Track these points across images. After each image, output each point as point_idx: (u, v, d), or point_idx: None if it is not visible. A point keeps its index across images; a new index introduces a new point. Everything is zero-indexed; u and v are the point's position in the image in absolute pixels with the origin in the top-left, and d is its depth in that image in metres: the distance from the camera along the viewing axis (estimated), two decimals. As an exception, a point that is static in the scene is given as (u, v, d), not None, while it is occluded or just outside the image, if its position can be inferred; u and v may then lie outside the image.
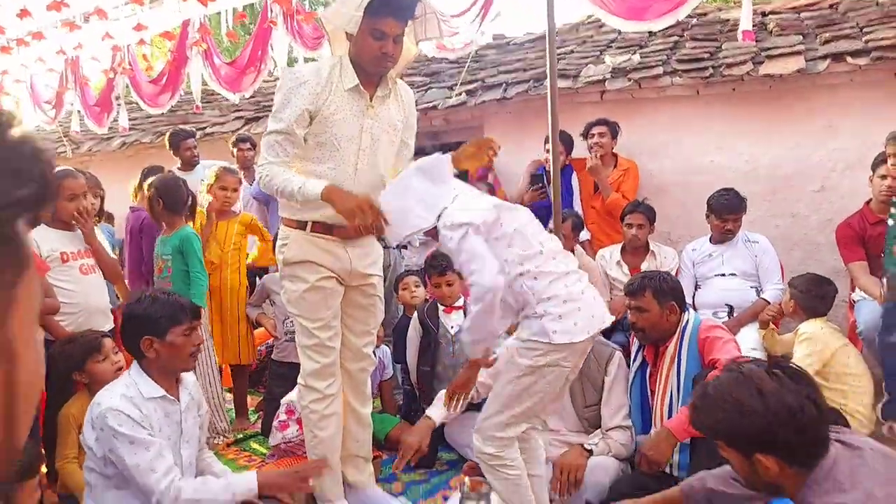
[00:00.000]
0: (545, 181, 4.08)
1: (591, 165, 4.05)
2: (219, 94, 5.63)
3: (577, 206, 4.23)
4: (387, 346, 3.55)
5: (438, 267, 3.15)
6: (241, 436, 3.39)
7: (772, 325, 3.32)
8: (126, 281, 3.41)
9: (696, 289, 3.68)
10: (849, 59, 3.86)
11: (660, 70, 4.37)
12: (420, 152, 3.43)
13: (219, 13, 5.28)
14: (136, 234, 3.57)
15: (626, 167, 4.21)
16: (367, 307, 2.45)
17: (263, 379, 3.95)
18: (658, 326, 2.60)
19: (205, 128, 6.15)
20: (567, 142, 4.20)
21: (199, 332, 2.09)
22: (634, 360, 2.76)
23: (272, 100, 2.29)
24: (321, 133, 2.21)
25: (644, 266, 3.66)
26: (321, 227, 2.28)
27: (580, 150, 4.29)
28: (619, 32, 5.08)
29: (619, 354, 2.77)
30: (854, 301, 3.32)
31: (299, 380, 2.40)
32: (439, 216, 2.02)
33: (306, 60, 4.94)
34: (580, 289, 2.01)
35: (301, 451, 2.58)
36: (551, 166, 3.22)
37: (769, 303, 3.43)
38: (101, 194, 3.69)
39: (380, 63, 2.19)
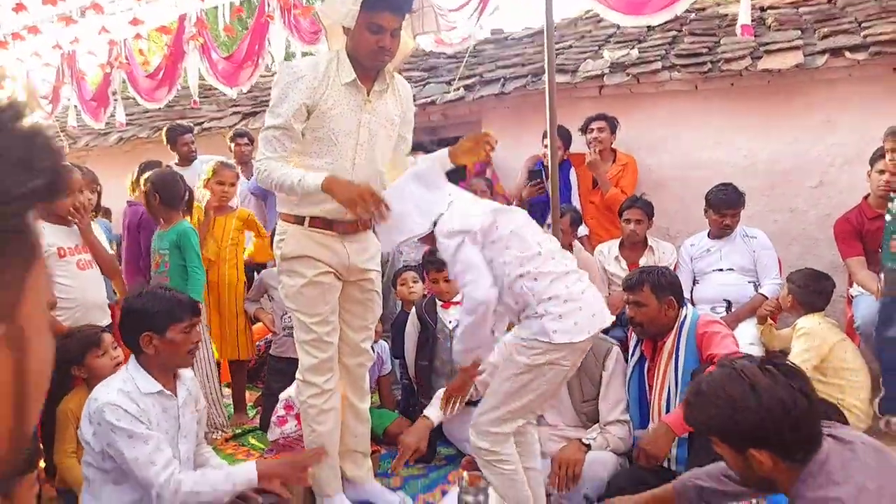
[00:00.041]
0: (543, 176, 4.08)
1: (590, 160, 4.05)
2: (216, 88, 5.61)
3: (575, 201, 4.23)
4: (385, 341, 3.55)
5: (436, 262, 3.15)
6: (239, 431, 3.39)
7: (769, 321, 3.32)
8: (123, 275, 3.41)
9: (694, 284, 3.69)
10: (847, 53, 3.86)
11: (658, 65, 4.36)
12: (418, 147, 3.43)
13: (216, 7, 5.26)
14: (135, 229, 3.56)
15: (624, 162, 4.20)
16: (364, 302, 2.45)
17: (262, 374, 3.95)
18: (656, 321, 2.60)
19: (202, 123, 6.13)
20: (565, 137, 4.19)
21: (199, 330, 2.09)
22: (632, 354, 2.76)
23: (269, 95, 2.28)
24: (318, 128, 2.20)
25: (642, 261, 3.66)
26: (319, 222, 2.28)
27: (578, 145, 4.28)
28: (618, 27, 5.07)
29: (616, 349, 2.77)
30: (852, 296, 3.33)
31: (297, 375, 2.40)
32: (435, 223, 2.02)
33: (304, 55, 4.92)
34: (580, 288, 2.00)
35: (299, 447, 2.58)
36: (549, 161, 3.21)
37: (767, 298, 3.43)
38: (98, 189, 3.68)
39: (377, 57, 2.18)
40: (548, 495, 2.55)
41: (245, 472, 1.97)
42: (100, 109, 6.05)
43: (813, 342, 2.88)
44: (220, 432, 3.26)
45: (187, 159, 4.56)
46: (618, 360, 2.73)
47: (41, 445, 2.36)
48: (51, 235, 2.76)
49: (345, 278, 2.36)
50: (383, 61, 2.22)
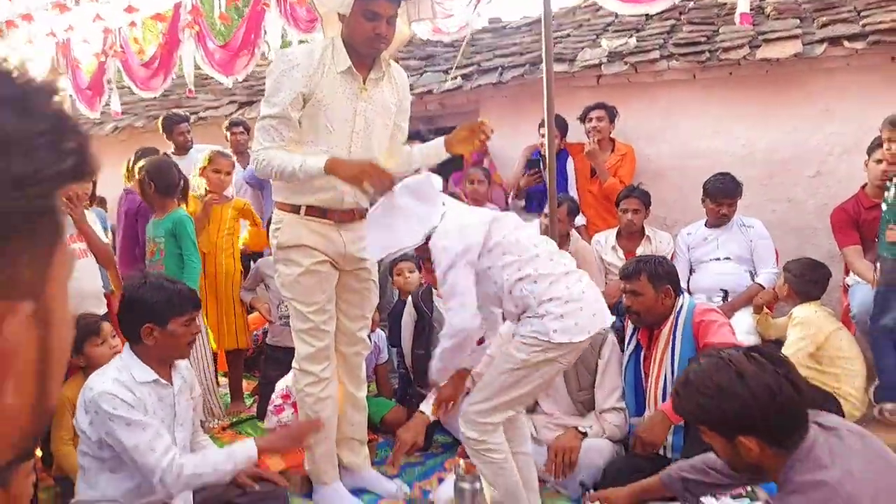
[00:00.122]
0: (541, 166, 4.07)
1: (588, 150, 4.04)
2: (212, 77, 5.57)
3: (572, 191, 4.22)
4: (382, 330, 3.56)
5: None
6: (236, 419, 3.40)
7: (765, 310, 3.33)
8: (119, 264, 3.40)
9: (690, 273, 3.69)
10: (846, 43, 3.84)
11: (656, 54, 4.34)
12: (415, 136, 3.42)
13: (211, -5, 5.21)
14: (132, 217, 3.54)
15: (623, 152, 4.20)
16: (361, 291, 2.45)
17: (259, 363, 3.95)
18: (653, 310, 2.60)
19: (198, 112, 6.10)
20: (561, 126, 4.18)
21: (198, 322, 2.08)
22: (628, 343, 2.76)
23: (265, 84, 2.26)
24: (314, 116, 2.19)
25: (639, 251, 3.66)
26: (315, 211, 2.27)
27: (576, 134, 4.27)
28: (616, 16, 5.05)
29: (612, 337, 2.78)
30: (848, 285, 3.34)
31: (294, 363, 2.41)
32: (428, 235, 2.01)
33: (300, 43, 4.89)
34: (581, 288, 1.99)
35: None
36: (546, 151, 3.20)
37: (763, 287, 3.44)
38: (94, 179, 3.66)
39: (373, 44, 2.17)
40: (544, 482, 2.57)
41: (245, 450, 1.98)
42: (95, 98, 6.00)
43: (809, 331, 2.89)
44: (216, 421, 3.26)
45: (183, 148, 4.54)
46: (613, 349, 2.74)
47: (38, 433, 2.36)
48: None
49: (341, 267, 2.36)
50: (379, 49, 2.21)
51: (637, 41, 4.55)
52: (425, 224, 2.01)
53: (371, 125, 2.27)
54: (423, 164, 2.43)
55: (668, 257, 3.42)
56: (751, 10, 3.48)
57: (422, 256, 2.19)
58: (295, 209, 2.28)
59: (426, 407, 2.50)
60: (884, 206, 2.95)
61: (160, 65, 5.47)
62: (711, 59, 4.16)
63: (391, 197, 2.07)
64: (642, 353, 2.69)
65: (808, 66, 3.98)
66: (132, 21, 5.28)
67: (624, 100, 4.30)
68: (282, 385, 2.98)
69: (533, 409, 2.74)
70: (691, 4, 5.06)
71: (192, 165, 3.68)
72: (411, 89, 2.60)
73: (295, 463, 2.62)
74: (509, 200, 4.42)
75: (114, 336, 2.55)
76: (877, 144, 3.20)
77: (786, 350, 2.90)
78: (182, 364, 2.12)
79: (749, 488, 2.07)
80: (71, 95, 6.20)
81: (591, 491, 2.45)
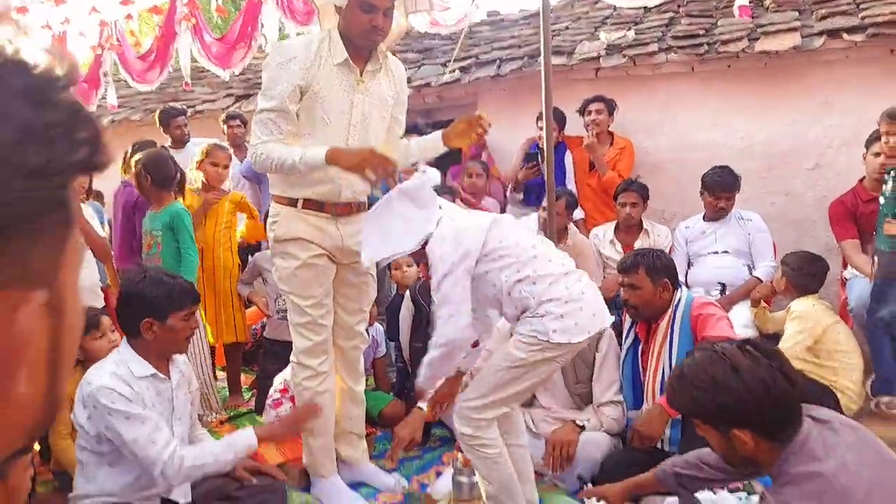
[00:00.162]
0: (539, 159, 4.06)
1: (587, 143, 4.03)
2: (208, 70, 5.55)
3: (570, 185, 4.21)
4: (380, 324, 3.55)
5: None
6: (234, 413, 3.40)
7: (763, 303, 3.33)
8: (116, 256, 3.39)
9: (688, 266, 3.69)
10: (845, 35, 3.83)
11: (655, 47, 4.33)
12: (413, 129, 3.41)
13: (208, -13, 5.18)
14: (129, 210, 3.52)
15: (622, 146, 4.19)
16: (358, 285, 2.44)
17: (258, 357, 3.95)
18: (651, 304, 2.60)
19: (195, 105, 6.07)
20: (560, 119, 4.17)
21: (196, 317, 2.08)
22: (626, 337, 2.77)
23: (262, 77, 2.25)
24: (311, 109, 2.18)
25: (637, 244, 3.66)
26: (312, 204, 2.27)
27: (574, 127, 4.26)
28: (615, 9, 5.02)
29: (610, 331, 2.78)
30: (846, 278, 3.34)
31: (292, 357, 2.40)
32: (424, 241, 2.00)
33: (298, 36, 4.87)
34: (580, 288, 1.99)
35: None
36: (544, 144, 3.19)
37: (761, 281, 3.44)
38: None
39: (369, 36, 2.15)
40: (542, 476, 2.57)
41: (245, 439, 1.99)
42: (91, 91, 5.97)
43: (806, 324, 2.89)
44: (214, 415, 3.26)
45: (180, 142, 4.52)
46: (611, 342, 2.74)
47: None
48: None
49: (339, 261, 2.35)
50: (375, 41, 2.20)
51: (635, 34, 4.54)
52: (421, 230, 2.00)
53: (368, 118, 2.26)
54: (421, 157, 2.42)
55: (667, 251, 3.43)
56: (749, 2, 3.47)
57: (419, 260, 2.18)
58: (292, 202, 2.27)
59: (424, 404, 2.50)
60: (881, 200, 2.94)
61: (156, 58, 5.45)
62: (710, 51, 4.15)
63: (392, 190, 2.07)
64: (640, 347, 2.70)
65: (806, 58, 3.97)
66: (128, 14, 5.26)
67: (622, 93, 4.28)
68: (280, 379, 2.98)
69: (531, 402, 2.74)
70: (690, -3, 5.04)
71: (188, 159, 3.67)
72: (409, 82, 2.59)
73: (293, 456, 2.62)
74: (507, 194, 4.41)
75: (113, 330, 2.55)
76: (875, 137, 3.19)
77: (783, 343, 2.90)
78: (180, 358, 2.12)
79: (745, 481, 2.08)
80: (67, 88, 6.16)
81: (589, 484, 2.46)
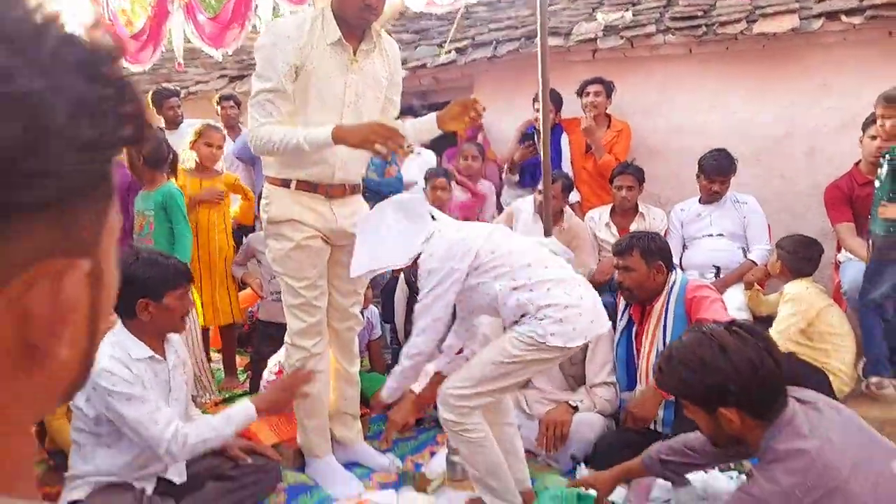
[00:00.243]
0: (535, 139, 4.04)
1: (585, 126, 4.00)
2: (202, 51, 5.48)
3: (566, 167, 4.19)
4: (375, 306, 3.55)
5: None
6: (229, 395, 3.41)
7: (757, 286, 3.34)
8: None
9: (683, 249, 3.70)
10: (843, 17, 3.80)
11: (652, 28, 4.29)
12: (408, 111, 3.38)
13: (200, -34, 5.10)
14: (123, 191, 3.50)
15: (619, 129, 4.17)
16: (353, 266, 2.44)
17: (253, 340, 3.95)
18: (645, 286, 2.61)
19: (188, 86, 6.01)
20: (556, 101, 4.14)
21: (190, 296, 2.09)
22: (621, 319, 2.78)
23: (256, 58, 2.22)
24: (304, 89, 2.16)
25: (633, 227, 3.66)
26: (306, 185, 2.25)
27: (570, 109, 4.23)
28: (613, -11, 4.97)
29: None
30: (840, 262, 3.35)
31: (286, 339, 2.41)
32: (416, 256, 2.03)
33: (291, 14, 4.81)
34: (579, 293, 1.99)
35: (288, 409, 2.60)
36: (541, 125, 3.18)
37: (756, 264, 3.45)
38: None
39: (363, 15, 2.13)
40: (536, 456, 2.59)
41: (243, 411, 2.01)
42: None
43: (800, 307, 2.90)
44: (208, 396, 3.27)
45: (174, 123, 4.49)
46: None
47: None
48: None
49: (332, 242, 2.35)
50: (369, 20, 2.17)
51: (633, 15, 4.50)
52: (412, 245, 2.02)
53: (362, 98, 2.24)
54: (416, 139, 2.41)
55: (662, 234, 3.43)
56: (748, -17, 3.44)
57: (411, 271, 2.21)
58: (285, 183, 2.25)
59: (417, 387, 2.52)
60: (877, 183, 2.94)
61: (149, 37, 5.38)
62: (708, 33, 4.11)
63: (386, 202, 2.11)
64: (634, 329, 2.71)
65: (805, 40, 3.95)
66: (120, -8, 5.16)
67: (620, 74, 4.25)
68: (274, 361, 2.98)
69: (525, 384, 2.76)
70: (688, -22, 4.98)
71: (182, 140, 3.64)
72: (404, 63, 2.57)
73: (287, 437, 2.64)
74: (503, 175, 4.39)
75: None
76: (871, 121, 3.18)
77: (777, 326, 2.91)
78: (175, 339, 2.13)
79: (745, 463, 2.10)
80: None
81: (582, 464, 2.48)
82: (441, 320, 2.03)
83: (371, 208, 2.68)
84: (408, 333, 3.23)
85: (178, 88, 4.92)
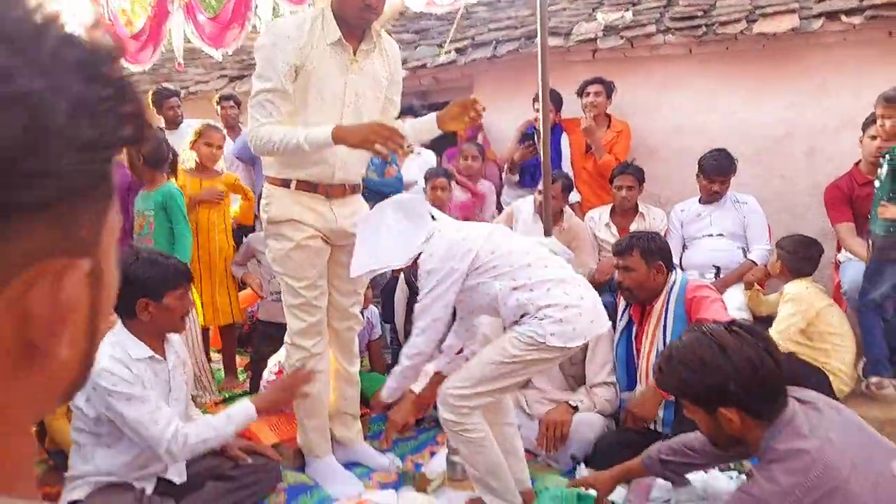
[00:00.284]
0: (535, 139, 4.04)
1: (585, 126, 4.00)
2: (202, 51, 5.48)
3: (566, 167, 4.19)
4: (375, 306, 3.55)
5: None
6: (229, 395, 3.41)
7: (756, 286, 3.34)
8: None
9: (683, 249, 3.70)
10: (843, 17, 3.80)
11: (652, 28, 4.29)
12: (408, 111, 3.38)
13: (200, -34, 5.10)
14: (123, 191, 3.49)
15: (619, 129, 4.17)
16: (353, 266, 2.44)
17: (253, 340, 3.95)
18: (645, 286, 2.61)
19: (188, 86, 6.01)
20: (556, 101, 4.14)
21: (189, 296, 2.09)
22: (621, 319, 2.77)
23: (256, 58, 2.22)
24: (304, 89, 2.16)
25: (633, 227, 3.65)
26: (306, 185, 2.25)
27: (570, 109, 4.23)
28: (612, -11, 4.97)
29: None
30: (839, 262, 3.35)
31: (286, 339, 2.41)
32: (416, 257, 2.04)
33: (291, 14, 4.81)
34: (579, 294, 1.99)
35: (288, 409, 2.60)
36: (541, 125, 3.18)
37: (756, 264, 3.45)
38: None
39: (363, 15, 2.13)
40: (536, 456, 2.59)
41: (243, 411, 2.02)
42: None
43: (800, 307, 2.90)
44: (208, 395, 3.27)
45: (174, 123, 4.49)
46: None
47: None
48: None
49: (332, 242, 2.35)
50: (369, 20, 2.17)
51: (633, 15, 4.50)
52: (411, 246, 2.03)
53: (362, 98, 2.24)
54: (415, 139, 2.41)
55: (662, 234, 3.43)
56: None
57: (411, 271, 2.21)
58: (285, 183, 2.25)
59: (417, 387, 2.52)
60: (877, 183, 2.94)
61: (149, 37, 5.38)
62: (708, 33, 4.11)
63: (386, 202, 2.11)
64: (634, 329, 2.71)
65: (804, 40, 3.95)
66: (120, -8, 5.16)
67: (619, 74, 4.25)
68: (274, 361, 2.98)
69: (525, 384, 2.76)
70: (688, -22, 4.98)
71: (182, 140, 3.64)
72: (404, 63, 2.57)
73: (287, 436, 2.64)
74: (503, 175, 4.39)
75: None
76: (871, 121, 3.18)
77: (777, 326, 2.91)
78: (175, 339, 2.13)
79: (745, 463, 2.10)
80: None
81: (582, 464, 2.48)
82: (441, 320, 2.03)
83: (371, 208, 2.69)
84: (408, 333, 3.23)
85: (178, 88, 4.92)
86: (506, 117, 4.46)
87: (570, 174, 4.06)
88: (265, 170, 2.34)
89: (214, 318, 3.48)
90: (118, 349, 1.91)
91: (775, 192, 4.05)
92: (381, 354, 3.53)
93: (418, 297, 2.06)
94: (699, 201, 3.71)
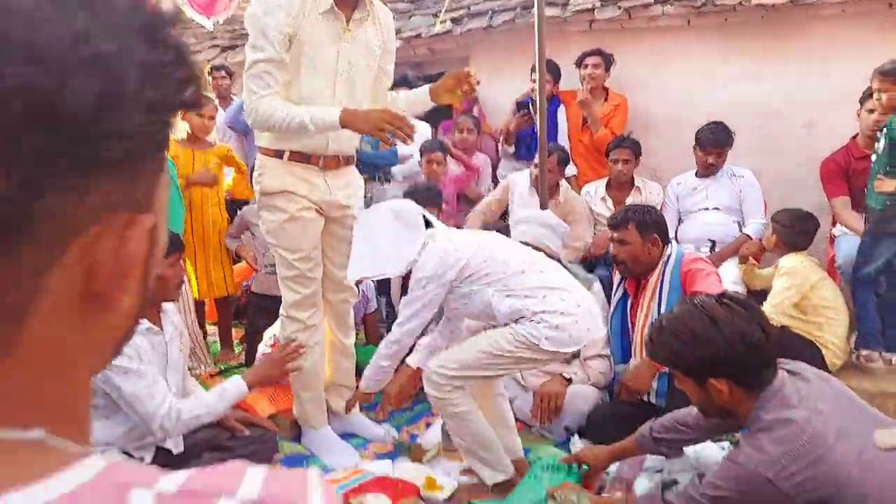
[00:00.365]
0: (531, 108, 4.00)
1: (581, 99, 3.96)
2: (193, 21, 5.37)
3: (563, 140, 4.16)
4: (370, 280, 3.55)
5: (419, 202, 3.11)
6: (224, 367, 3.42)
7: (751, 260, 3.35)
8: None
9: (679, 223, 3.70)
10: (843, -12, 3.76)
11: (651, -2, 4.22)
12: (403, 82, 3.34)
13: (190, -69, 4.96)
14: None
15: (617, 103, 4.13)
16: (346, 238, 2.42)
17: (249, 312, 3.95)
18: (640, 259, 2.61)
19: (180, 56, 5.91)
20: (554, 72, 4.09)
21: (182, 264, 2.09)
22: (615, 292, 2.78)
23: (248, 28, 2.17)
24: (296, 57, 2.12)
25: (629, 201, 3.64)
26: (299, 156, 2.23)
27: (569, 81, 4.19)
28: (611, -42, 4.88)
29: (597, 284, 2.80)
30: (834, 236, 3.36)
31: (281, 311, 2.40)
32: (408, 266, 2.09)
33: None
34: (575, 301, 2.01)
35: (284, 381, 2.61)
36: (538, 96, 3.14)
37: (751, 238, 3.45)
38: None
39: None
40: (530, 427, 2.62)
41: (235, 387, 2.06)
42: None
43: (795, 280, 2.91)
44: (203, 367, 3.28)
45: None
46: (599, 295, 2.76)
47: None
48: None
49: (326, 213, 2.33)
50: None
51: (631, -15, 4.42)
52: (407, 254, 2.08)
53: (354, 67, 2.20)
54: (409, 111, 2.38)
55: (658, 207, 3.42)
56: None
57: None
58: (278, 154, 2.23)
59: (411, 360, 2.53)
60: (873, 157, 2.94)
61: (138, 6, 5.25)
62: (707, 3, 4.05)
63: (384, 205, 2.17)
64: (629, 302, 2.71)
65: (803, 12, 3.90)
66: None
67: (617, 45, 4.20)
68: (269, 333, 2.98)
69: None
70: (688, -53, 4.89)
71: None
72: (399, 33, 2.52)
73: (284, 407, 2.65)
74: (499, 147, 4.36)
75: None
76: (869, 94, 3.16)
77: (771, 299, 2.93)
78: (171, 310, 2.13)
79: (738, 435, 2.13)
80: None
81: (576, 436, 2.51)
82: (424, 322, 2.13)
83: (365, 180, 2.67)
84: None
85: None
86: (502, 89, 4.41)
87: (567, 147, 4.03)
88: (258, 140, 2.31)
89: (209, 291, 3.48)
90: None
91: (772, 165, 4.03)
92: (376, 327, 3.54)
93: (407, 298, 2.12)
94: (695, 175, 3.70)
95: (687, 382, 1.60)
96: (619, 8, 4.24)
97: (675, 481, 2.00)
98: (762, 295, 3.06)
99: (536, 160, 3.27)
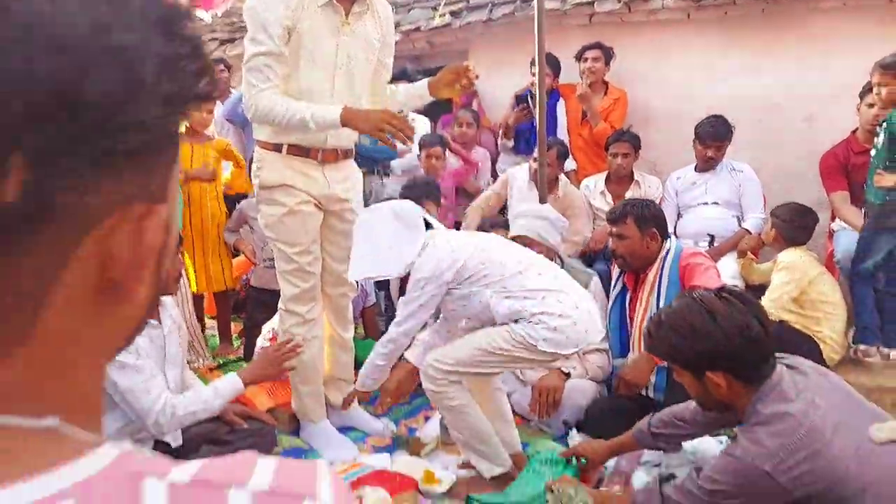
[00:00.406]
0: (530, 102, 3.99)
1: (580, 93, 3.95)
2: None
3: (562, 134, 4.15)
4: (369, 273, 3.55)
5: (418, 196, 3.11)
6: (224, 361, 3.42)
7: (750, 255, 3.35)
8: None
9: (678, 217, 3.69)
10: (844, -18, 3.74)
11: (651, -9, 4.20)
12: (402, 76, 3.32)
13: (187, -77, 4.94)
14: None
15: (616, 96, 4.12)
16: (345, 232, 2.42)
17: (247, 306, 3.95)
18: (638, 253, 2.60)
19: (178, 49, 5.89)
20: (554, 65, 4.08)
21: (180, 257, 2.08)
22: (614, 286, 2.78)
23: (246, 22, 2.16)
24: (294, 51, 2.11)
25: (628, 195, 3.64)
26: (298, 150, 2.22)
27: (568, 74, 4.17)
28: (611, -49, 4.85)
29: (596, 279, 2.80)
30: (833, 230, 3.35)
31: (280, 304, 2.40)
32: (408, 268, 2.10)
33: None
34: (573, 303, 2.01)
35: (282, 376, 2.61)
36: (537, 90, 3.13)
37: (750, 232, 3.45)
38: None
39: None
40: (528, 421, 2.63)
41: (231, 384, 2.05)
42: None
43: (794, 275, 2.91)
44: (201, 361, 3.29)
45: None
46: (597, 290, 2.76)
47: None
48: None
49: (325, 207, 2.33)
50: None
51: (632, -22, 4.40)
52: (406, 255, 2.09)
53: (353, 60, 2.19)
54: (407, 105, 2.38)
55: (657, 202, 3.41)
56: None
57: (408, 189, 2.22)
58: (277, 147, 2.22)
59: (409, 355, 2.53)
60: (873, 152, 2.93)
61: (136, -2, 5.23)
62: (707, -3, 4.04)
63: (385, 206, 2.17)
64: (628, 296, 2.72)
65: (804, 6, 3.88)
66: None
67: (617, 39, 4.19)
68: (268, 327, 2.98)
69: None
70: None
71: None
72: (398, 26, 2.51)
73: (283, 401, 2.65)
74: (499, 142, 4.35)
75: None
76: (869, 88, 3.16)
77: (770, 294, 2.93)
78: (168, 302, 2.12)
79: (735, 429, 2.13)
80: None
81: (575, 430, 2.51)
82: (420, 323, 2.14)
83: (364, 174, 2.66)
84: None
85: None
86: (501, 83, 4.40)
87: (566, 141, 4.03)
88: (256, 133, 2.30)
89: (207, 285, 3.48)
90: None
91: (772, 159, 4.03)
92: (375, 321, 3.54)
93: (405, 299, 2.12)
94: (695, 169, 3.69)
95: (685, 376, 1.61)
96: (619, 1, 4.23)
97: (673, 475, 2.00)
98: (761, 289, 3.07)
99: (535, 154, 3.27)
